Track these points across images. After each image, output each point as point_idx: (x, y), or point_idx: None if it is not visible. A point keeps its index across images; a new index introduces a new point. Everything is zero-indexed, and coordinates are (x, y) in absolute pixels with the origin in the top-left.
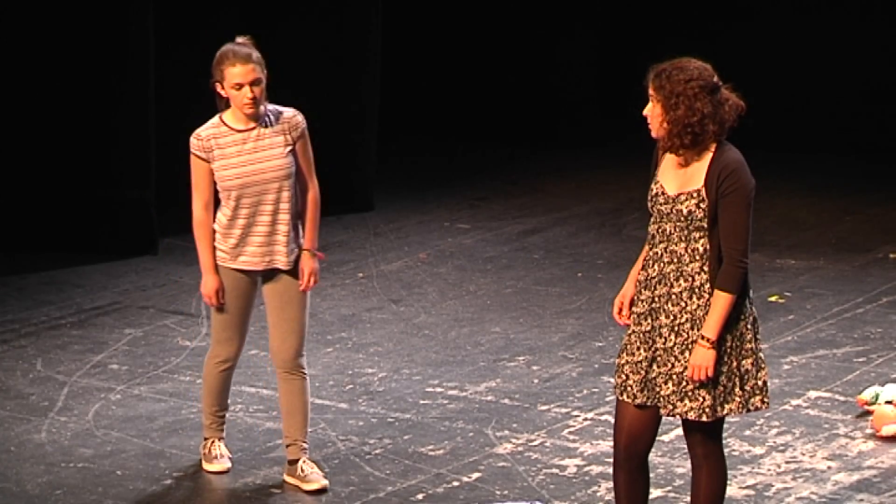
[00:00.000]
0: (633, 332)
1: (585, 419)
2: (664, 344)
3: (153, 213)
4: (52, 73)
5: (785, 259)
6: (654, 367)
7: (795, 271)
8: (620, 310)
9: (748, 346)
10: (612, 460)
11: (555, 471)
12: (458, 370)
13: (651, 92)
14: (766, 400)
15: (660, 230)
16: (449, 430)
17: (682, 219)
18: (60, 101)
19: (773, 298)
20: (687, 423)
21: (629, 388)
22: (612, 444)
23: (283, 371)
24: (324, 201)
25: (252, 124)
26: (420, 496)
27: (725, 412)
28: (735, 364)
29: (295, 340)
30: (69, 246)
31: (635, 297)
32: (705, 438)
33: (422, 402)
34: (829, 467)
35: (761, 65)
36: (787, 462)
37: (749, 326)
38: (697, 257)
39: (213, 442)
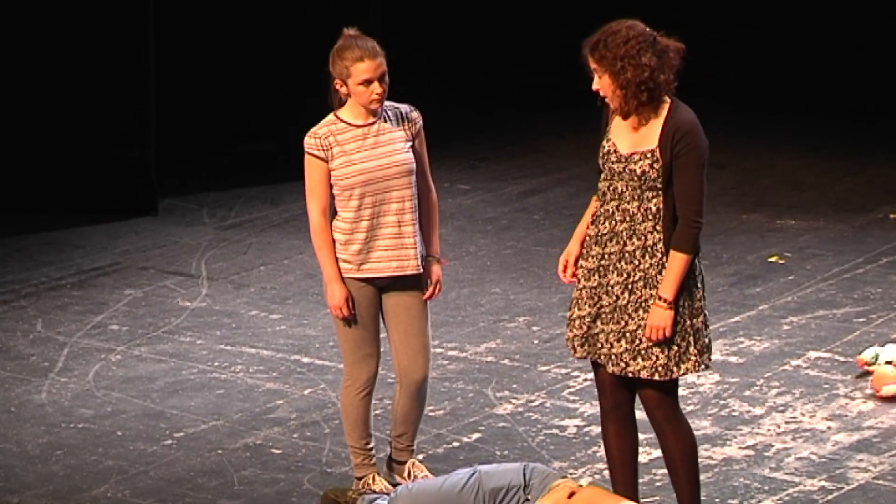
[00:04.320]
0: (584, 286)
1: (585, 380)
2: (616, 301)
3: (153, 174)
4: (52, 35)
5: (785, 219)
6: (598, 323)
7: (795, 232)
8: (565, 268)
9: (698, 304)
10: None
11: (555, 431)
12: (458, 331)
13: (594, 66)
14: (710, 358)
15: (611, 188)
16: (449, 390)
17: (636, 178)
18: (61, 63)
19: (773, 259)
20: (642, 389)
21: (573, 342)
22: None
23: (411, 389)
24: None
25: (371, 119)
26: (420, 456)
27: (682, 372)
28: (688, 323)
29: (425, 359)
30: (69, 206)
31: (584, 252)
32: (661, 401)
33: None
34: (828, 427)
35: (761, 25)
36: (786, 422)
37: (699, 284)
38: (650, 217)
39: (372, 478)
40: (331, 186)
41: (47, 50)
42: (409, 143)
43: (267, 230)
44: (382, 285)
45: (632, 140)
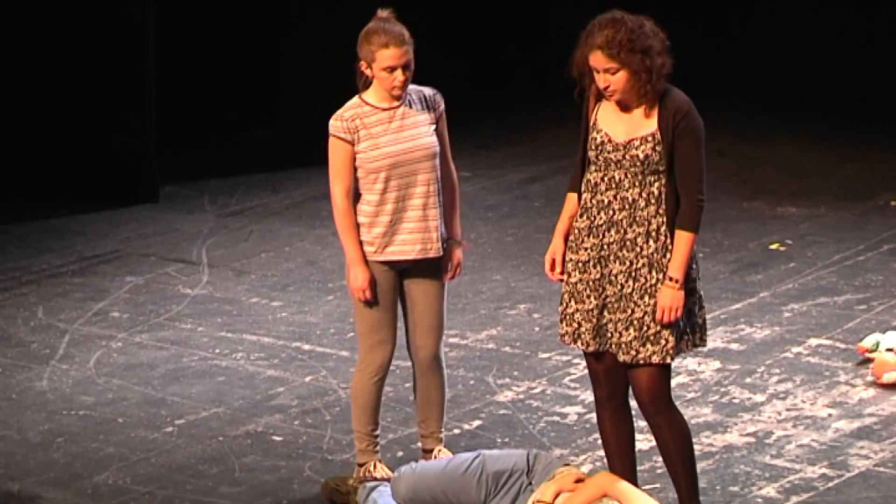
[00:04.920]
0: (580, 280)
1: (586, 367)
2: (620, 290)
3: (154, 161)
4: (53, 22)
5: (786, 207)
6: (605, 313)
7: (796, 219)
8: (553, 266)
9: (691, 284)
10: None
11: (556, 418)
12: (460, 318)
13: (609, 64)
14: (704, 338)
15: (606, 178)
16: (450, 377)
17: (638, 164)
18: (61, 51)
19: (773, 246)
20: (635, 384)
21: (582, 336)
22: None
23: (423, 366)
24: (325, 149)
25: (396, 102)
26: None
27: (678, 352)
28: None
29: (437, 336)
30: (70, 194)
31: (574, 246)
32: (655, 395)
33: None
34: (829, 415)
35: (761, 12)
36: (787, 409)
37: (694, 265)
38: (653, 201)
39: (374, 465)
40: (354, 169)
41: (48, 38)
42: (433, 127)
43: (268, 217)
44: (404, 268)
45: (627, 127)
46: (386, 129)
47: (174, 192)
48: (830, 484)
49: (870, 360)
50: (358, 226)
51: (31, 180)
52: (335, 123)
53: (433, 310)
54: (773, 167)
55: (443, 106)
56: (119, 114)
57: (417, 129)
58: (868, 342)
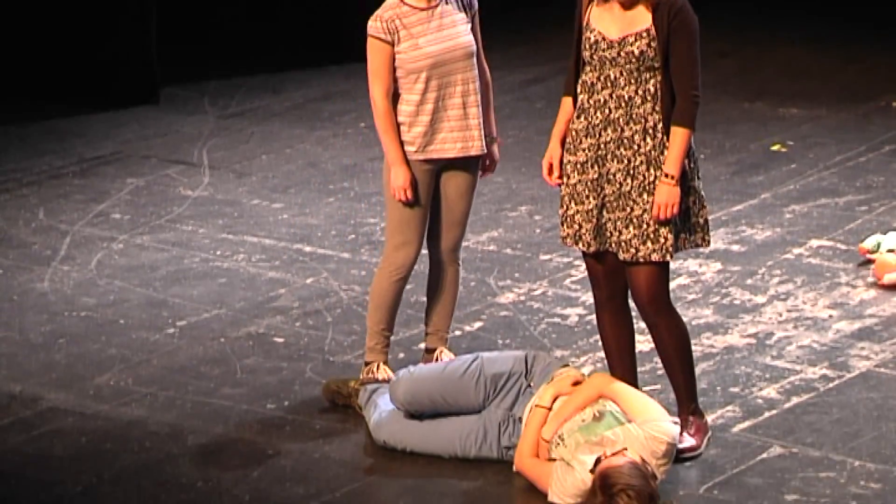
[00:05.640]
0: (579, 181)
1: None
2: (619, 189)
3: (154, 62)
4: None
5: (787, 108)
6: (605, 212)
7: (798, 120)
8: (550, 171)
9: (690, 183)
10: None
11: (557, 320)
12: None
13: None
14: (707, 238)
15: (601, 77)
16: None
17: (633, 60)
18: None
19: (775, 147)
20: (633, 284)
21: (583, 237)
22: None
23: (440, 258)
24: (327, 50)
25: (434, 2)
26: (422, 345)
27: (677, 250)
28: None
29: (459, 232)
30: (71, 95)
31: (572, 148)
32: (653, 296)
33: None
34: (830, 316)
35: None
36: (788, 311)
37: (692, 165)
38: (649, 98)
39: (378, 366)
40: (394, 70)
41: None
42: (469, 25)
43: (269, 119)
44: (444, 166)
45: (620, 24)
46: (426, 29)
47: (174, 94)
48: (831, 385)
49: (871, 261)
50: (398, 126)
51: (31, 81)
52: (374, 24)
53: (461, 205)
54: (775, 68)
55: (477, 4)
56: (119, 14)
57: (456, 28)
58: (869, 243)
